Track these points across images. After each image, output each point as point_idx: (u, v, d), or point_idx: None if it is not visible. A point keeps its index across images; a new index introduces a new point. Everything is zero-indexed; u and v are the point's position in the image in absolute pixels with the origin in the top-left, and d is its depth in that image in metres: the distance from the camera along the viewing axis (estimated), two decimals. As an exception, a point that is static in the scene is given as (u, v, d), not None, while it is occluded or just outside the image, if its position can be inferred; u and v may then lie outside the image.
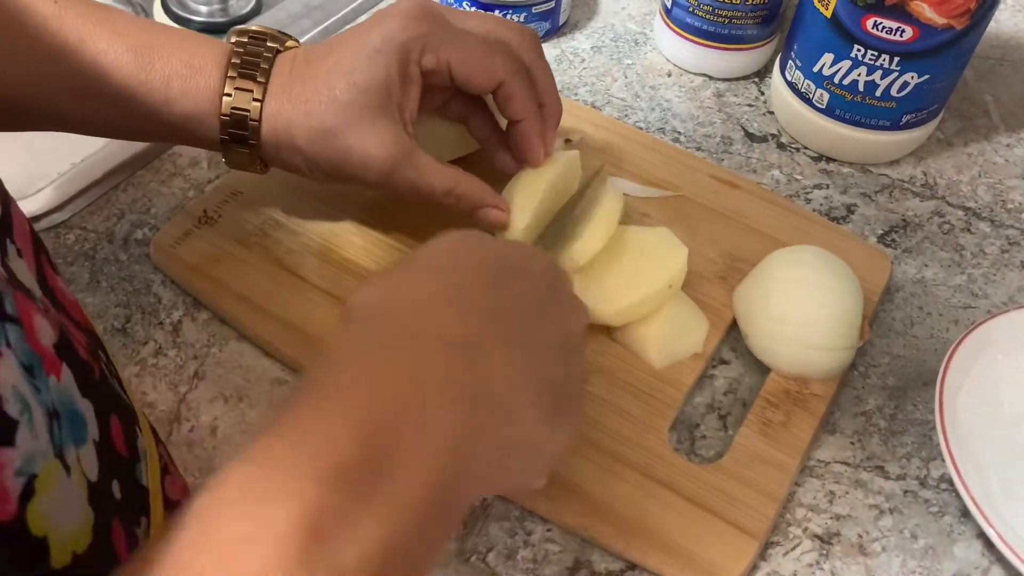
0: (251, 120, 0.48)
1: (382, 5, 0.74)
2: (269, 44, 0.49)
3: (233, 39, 0.49)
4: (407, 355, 0.32)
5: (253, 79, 0.48)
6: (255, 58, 0.48)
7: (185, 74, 0.48)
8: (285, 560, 0.26)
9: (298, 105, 0.48)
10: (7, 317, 0.29)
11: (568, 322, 0.38)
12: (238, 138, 0.49)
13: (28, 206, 0.54)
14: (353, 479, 0.28)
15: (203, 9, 0.85)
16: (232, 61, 0.48)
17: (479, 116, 0.54)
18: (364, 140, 0.48)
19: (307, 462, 0.28)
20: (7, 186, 0.36)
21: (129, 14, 0.49)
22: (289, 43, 0.50)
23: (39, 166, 0.57)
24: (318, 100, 0.47)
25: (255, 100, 0.47)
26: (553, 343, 0.36)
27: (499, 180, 0.53)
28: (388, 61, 0.47)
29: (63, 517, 0.29)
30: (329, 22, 0.72)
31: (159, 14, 0.86)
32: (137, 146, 0.59)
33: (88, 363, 0.34)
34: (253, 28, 0.49)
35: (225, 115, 0.48)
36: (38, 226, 0.55)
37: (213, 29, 0.84)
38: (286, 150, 0.49)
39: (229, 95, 0.47)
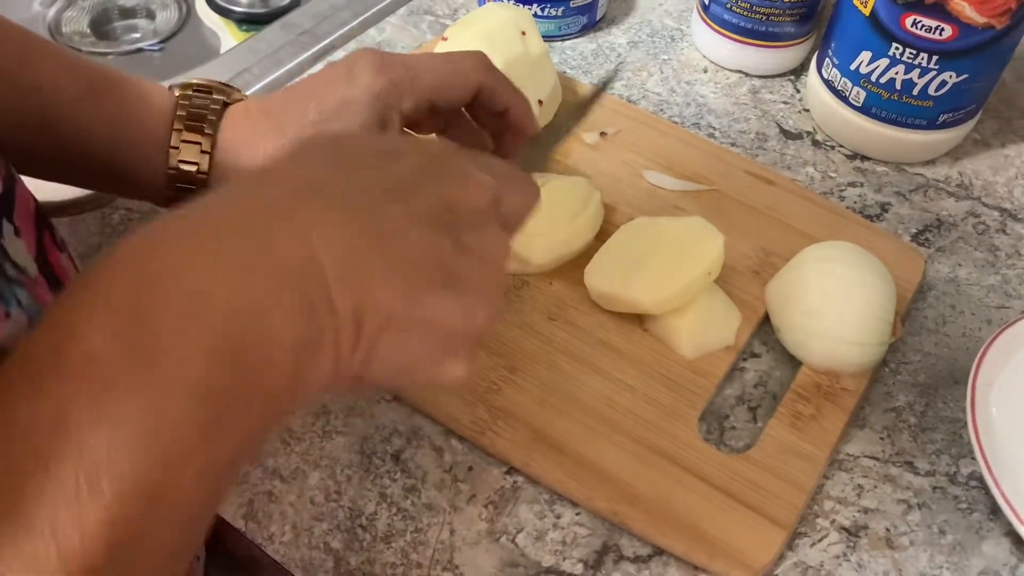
0: (199, 173, 0.46)
1: (414, 3, 0.75)
2: (215, 96, 0.48)
3: (177, 93, 0.48)
4: (188, 233, 0.29)
5: (201, 132, 0.47)
6: (202, 111, 0.47)
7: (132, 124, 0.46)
8: (38, 456, 0.24)
9: (261, 158, 0.47)
10: (11, 280, 0.30)
11: (453, 194, 0.35)
12: (185, 191, 0.47)
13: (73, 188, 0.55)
14: (104, 370, 0.26)
15: (243, 0, 0.87)
16: (178, 114, 0.47)
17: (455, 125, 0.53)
18: None
19: (53, 356, 0.26)
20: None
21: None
22: (235, 95, 0.50)
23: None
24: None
25: (203, 152, 0.46)
26: (424, 215, 0.33)
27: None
28: (363, 110, 0.47)
29: None
30: (368, 13, 0.73)
31: (202, 5, 0.88)
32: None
33: None
34: (195, 81, 0.48)
35: (172, 168, 0.47)
36: (83, 207, 0.56)
37: (253, 20, 0.85)
38: None
39: (176, 148, 0.46)
